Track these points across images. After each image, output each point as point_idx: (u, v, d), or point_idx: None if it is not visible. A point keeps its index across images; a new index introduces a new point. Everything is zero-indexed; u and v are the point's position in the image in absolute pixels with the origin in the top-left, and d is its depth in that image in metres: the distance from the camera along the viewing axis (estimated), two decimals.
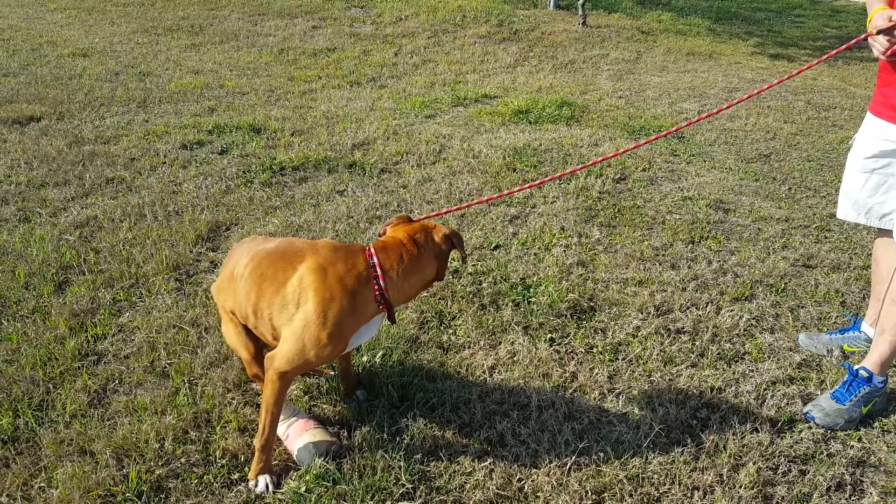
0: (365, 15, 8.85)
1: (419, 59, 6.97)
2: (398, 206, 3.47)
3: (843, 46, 2.10)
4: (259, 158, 4.06)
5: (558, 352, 2.36)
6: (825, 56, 2.17)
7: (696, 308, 2.61)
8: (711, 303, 2.65)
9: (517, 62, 7.00)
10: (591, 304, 2.64)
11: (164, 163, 3.97)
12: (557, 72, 6.66)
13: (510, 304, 2.62)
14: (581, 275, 2.83)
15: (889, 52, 1.89)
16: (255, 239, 1.89)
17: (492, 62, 6.98)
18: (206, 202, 3.45)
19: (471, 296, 2.65)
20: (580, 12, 8.36)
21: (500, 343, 2.39)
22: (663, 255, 3.08)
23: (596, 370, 2.26)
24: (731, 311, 2.61)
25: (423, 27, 8.24)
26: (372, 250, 1.73)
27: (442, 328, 2.47)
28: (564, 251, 3.04)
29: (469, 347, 2.36)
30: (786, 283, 2.85)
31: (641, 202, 3.66)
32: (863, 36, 1.96)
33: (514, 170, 4.05)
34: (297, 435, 1.86)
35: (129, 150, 4.14)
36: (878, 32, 1.86)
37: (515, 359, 2.30)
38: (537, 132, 4.83)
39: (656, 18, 9.13)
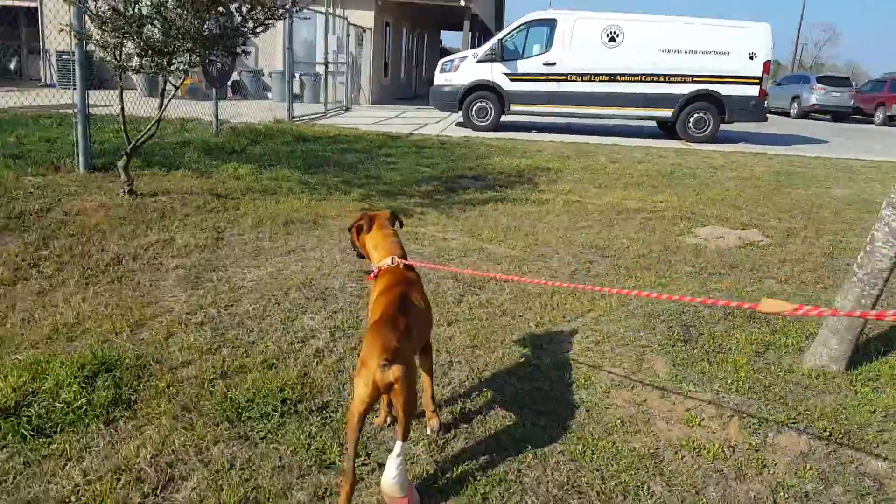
0: None
1: None
2: None
3: None
4: None
5: None
6: None
7: None
8: None
9: (16, 278, 4.26)
10: None
11: None
12: (91, 286, 4.15)
13: None
14: None
15: None
16: None
17: None
18: None
19: None
20: (123, 176, 6.02)
21: None
22: None
23: None
24: None
25: None
26: None
27: None
28: None
29: None
30: None
31: None
32: None
33: None
34: None
35: None
36: None
37: None
38: (34, 465, 2.31)
39: (233, 174, 7.36)
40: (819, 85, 27.00)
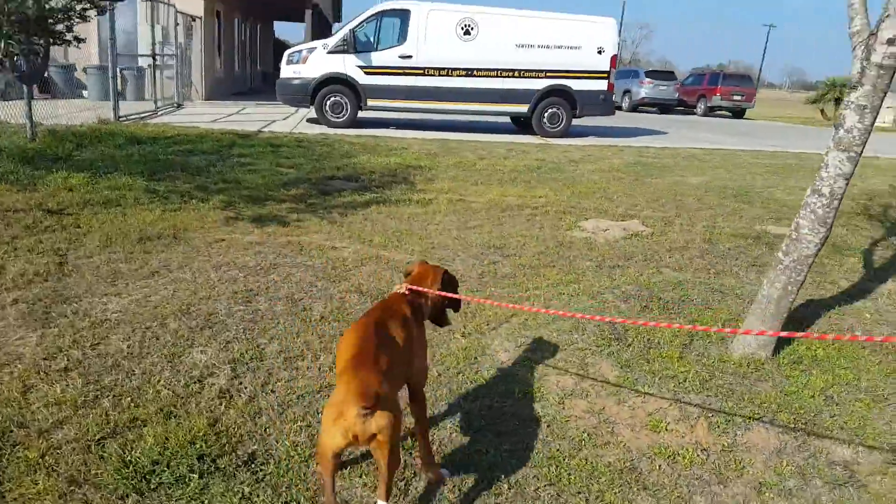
0: None
1: None
2: None
3: None
4: None
5: None
6: None
7: None
8: None
9: None
10: None
11: None
12: None
13: None
14: None
15: None
16: None
17: None
18: None
19: None
20: None
21: None
22: None
23: None
24: None
25: None
26: None
27: None
28: None
29: None
30: None
31: None
32: None
33: None
34: None
35: None
36: None
37: None
38: None
39: (63, 184, 6.43)
40: (647, 79, 29.44)
